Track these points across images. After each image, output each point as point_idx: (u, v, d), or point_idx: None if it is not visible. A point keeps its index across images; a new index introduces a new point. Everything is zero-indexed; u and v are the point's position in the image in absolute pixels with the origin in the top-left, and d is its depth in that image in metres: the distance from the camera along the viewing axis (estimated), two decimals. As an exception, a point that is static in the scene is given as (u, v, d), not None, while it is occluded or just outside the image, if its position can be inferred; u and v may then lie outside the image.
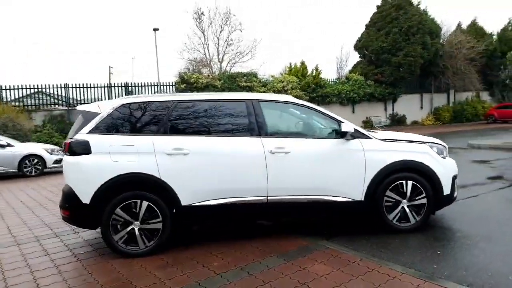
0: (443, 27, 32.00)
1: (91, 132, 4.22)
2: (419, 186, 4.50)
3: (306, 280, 3.41)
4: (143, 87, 22.85)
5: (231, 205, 4.26)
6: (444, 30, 32.36)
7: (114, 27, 66.71)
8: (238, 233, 4.87)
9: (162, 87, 23.20)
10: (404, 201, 4.51)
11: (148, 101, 4.46)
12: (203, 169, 4.24)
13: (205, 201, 4.24)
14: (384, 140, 4.57)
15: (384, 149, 4.51)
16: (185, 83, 23.16)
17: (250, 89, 23.60)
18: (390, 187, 4.46)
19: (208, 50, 27.76)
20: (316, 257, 3.92)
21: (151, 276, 3.65)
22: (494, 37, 34.25)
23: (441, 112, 30.94)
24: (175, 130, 4.34)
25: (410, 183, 4.48)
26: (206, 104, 4.55)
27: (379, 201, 4.46)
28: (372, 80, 28.54)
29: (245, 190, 4.29)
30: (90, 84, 21.51)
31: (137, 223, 4.16)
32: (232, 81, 23.78)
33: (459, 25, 34.36)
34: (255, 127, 4.39)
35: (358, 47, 32.08)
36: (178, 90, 22.94)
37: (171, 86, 23.75)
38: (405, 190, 4.49)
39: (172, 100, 4.45)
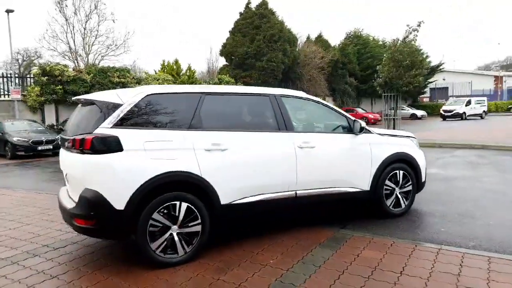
0: (298, 38, 35.71)
1: (116, 125, 3.58)
2: (407, 174, 5.21)
3: (374, 265, 3.65)
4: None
5: (266, 202, 4.18)
6: (299, 41, 36.15)
7: None
8: (256, 229, 4.76)
9: (20, 79, 19.70)
10: (397, 188, 5.14)
11: (176, 92, 4.01)
12: (241, 165, 4.05)
13: (243, 198, 4.06)
14: (382, 134, 5.13)
15: (383, 142, 5.07)
16: (47, 75, 20.17)
17: (123, 85, 22.04)
18: (388, 177, 5.05)
19: (74, 41, 24.76)
20: (355, 245, 4.17)
21: (224, 283, 3.34)
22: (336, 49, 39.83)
23: (298, 115, 34.46)
24: (207, 124, 3.99)
25: (401, 172, 5.14)
26: (234, 98, 4.35)
27: (380, 189, 4.98)
28: (241, 83, 29.92)
29: (278, 185, 4.27)
30: None
31: (175, 227, 3.71)
32: (103, 76, 21.76)
33: (308, 37, 38.90)
34: (282, 122, 4.40)
35: (224, 52, 33.29)
36: (39, 83, 19.85)
37: (29, 78, 20.38)
38: (398, 179, 5.13)
39: (201, 92, 4.10)
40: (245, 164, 4.07)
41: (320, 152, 4.54)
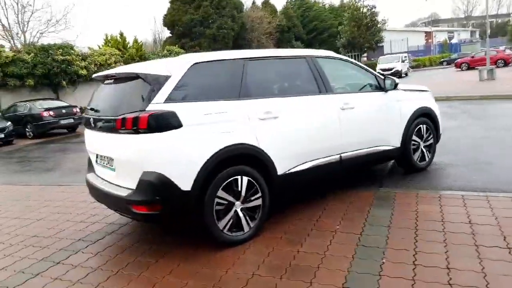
0: (244, 2, 34.93)
1: (169, 100, 3.19)
2: (429, 128, 5.29)
3: (440, 219, 3.67)
4: None
5: (315, 168, 4.03)
6: (245, 6, 35.37)
7: None
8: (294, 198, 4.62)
9: None
10: (421, 142, 5.22)
11: (221, 59, 3.64)
12: (292, 132, 3.85)
13: (295, 167, 3.88)
14: (406, 90, 5.12)
15: (409, 98, 5.07)
16: (-21, 56, 18.04)
17: (69, 62, 20.35)
18: (415, 132, 5.09)
19: (7, 18, 22.15)
20: (404, 201, 4.18)
21: (308, 255, 3.20)
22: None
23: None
24: (255, 92, 3.70)
25: (424, 126, 5.21)
26: (274, 62, 4.06)
27: (409, 145, 5.02)
28: (191, 53, 28.86)
29: (325, 149, 4.13)
30: None
31: (239, 203, 3.47)
32: (45, 54, 19.87)
33: (254, 2, 38.16)
34: (322, 84, 4.21)
35: (167, 21, 31.79)
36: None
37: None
38: (422, 133, 5.20)
39: (243, 58, 3.77)
40: (296, 131, 3.88)
41: (359, 112, 4.43)
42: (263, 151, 3.57)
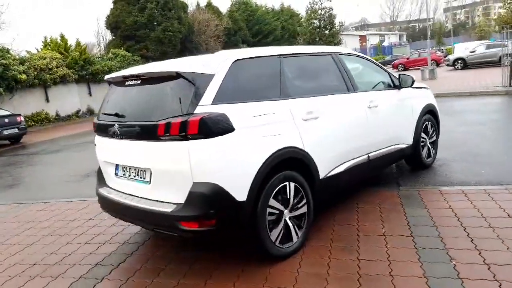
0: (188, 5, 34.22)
1: (216, 101, 2.84)
2: (433, 124, 5.36)
3: (479, 215, 3.67)
4: None
5: (349, 170, 3.85)
6: (189, 7, 34.69)
7: None
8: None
9: None
10: (427, 139, 5.26)
11: (260, 56, 3.35)
12: (330, 133, 3.65)
13: (333, 169, 3.68)
14: (414, 88, 5.12)
15: (418, 95, 5.08)
16: None
17: (5, 67, 18.52)
18: (423, 129, 5.12)
19: None
20: (431, 199, 4.15)
21: (372, 263, 3.00)
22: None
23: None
24: (293, 91, 3.44)
25: (430, 123, 5.26)
26: (306, 59, 3.82)
27: (418, 142, 5.04)
28: (138, 56, 27.68)
29: (356, 150, 3.98)
30: None
31: (287, 212, 3.20)
32: (-23, 58, 17.91)
33: (198, 4, 37.57)
34: (349, 82, 4.06)
35: (110, 23, 30.32)
36: None
37: None
38: (428, 130, 5.25)
39: (279, 54, 3.50)
40: (334, 131, 3.69)
41: (381, 110, 4.34)
42: (308, 154, 3.33)
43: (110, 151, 3.35)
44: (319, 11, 14.69)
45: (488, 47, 27.36)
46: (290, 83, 3.43)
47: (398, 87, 4.71)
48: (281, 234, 3.13)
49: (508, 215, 3.58)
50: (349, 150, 3.87)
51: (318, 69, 3.93)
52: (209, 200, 2.71)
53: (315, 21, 14.59)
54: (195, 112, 2.73)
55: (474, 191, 4.25)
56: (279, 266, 3.05)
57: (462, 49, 29.73)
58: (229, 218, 2.82)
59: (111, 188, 3.46)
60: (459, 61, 26.14)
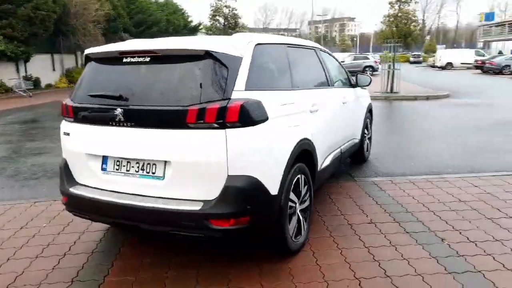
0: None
1: (248, 87, 2.62)
2: (370, 122, 5.87)
3: (436, 200, 4.17)
4: None
5: (331, 163, 3.98)
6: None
7: None
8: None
9: None
10: (366, 134, 5.72)
11: (277, 43, 3.25)
12: (325, 127, 3.76)
13: (324, 162, 3.76)
14: (361, 87, 5.48)
15: (364, 95, 5.48)
16: None
17: None
18: (365, 125, 5.55)
19: None
20: (391, 187, 4.55)
21: (384, 250, 3.14)
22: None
23: (74, 74, 30.21)
24: (299, 82, 3.38)
25: (368, 120, 5.74)
26: (303, 52, 3.81)
27: (363, 137, 5.46)
28: (1, 35, 23.58)
29: (336, 143, 4.15)
30: None
31: (298, 204, 3.14)
32: None
33: (72, -16, 33.75)
34: (329, 78, 4.18)
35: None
36: None
37: None
38: (368, 126, 5.71)
39: (285, 43, 3.41)
40: (327, 124, 3.83)
41: (348, 106, 4.58)
42: (314, 145, 3.33)
43: (98, 141, 2.79)
44: (224, 9, 14.72)
45: (355, 58, 31.21)
46: (296, 74, 3.38)
47: (354, 85, 5.01)
48: (295, 229, 3.05)
49: (459, 200, 4.14)
50: (333, 143, 4.01)
51: (310, 62, 3.95)
52: (246, 194, 2.49)
53: (220, 18, 14.59)
54: (233, 97, 2.47)
55: (419, 181, 4.80)
56: (295, 262, 2.97)
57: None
58: (262, 214, 2.64)
59: (91, 187, 2.89)
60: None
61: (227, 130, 2.43)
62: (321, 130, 3.57)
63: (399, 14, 11.77)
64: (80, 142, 2.89)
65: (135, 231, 3.40)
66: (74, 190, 2.91)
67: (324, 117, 3.67)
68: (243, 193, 2.48)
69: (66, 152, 3.01)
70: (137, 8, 39.03)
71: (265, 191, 2.59)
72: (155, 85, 2.64)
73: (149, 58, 2.67)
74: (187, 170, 2.53)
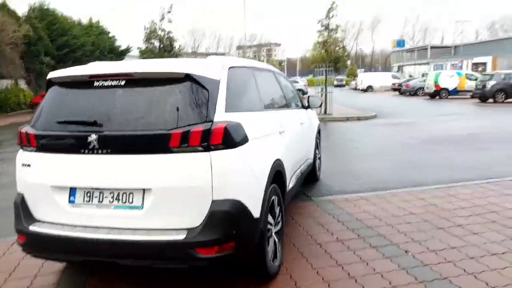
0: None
1: (228, 109, 2.63)
2: (319, 141, 6.09)
3: (390, 215, 4.41)
4: None
5: (296, 184, 4.07)
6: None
7: None
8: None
9: None
10: (317, 154, 5.91)
11: (246, 66, 3.31)
12: (290, 148, 3.84)
13: (289, 183, 3.81)
14: (311, 108, 5.67)
15: (314, 116, 5.71)
16: None
17: None
18: (316, 145, 5.75)
19: None
20: (347, 205, 4.73)
21: (359, 265, 3.23)
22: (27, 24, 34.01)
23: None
24: (267, 103, 3.48)
25: (319, 141, 5.96)
26: (264, 74, 3.87)
27: (316, 157, 5.65)
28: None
29: (298, 164, 4.24)
30: None
31: (272, 227, 3.13)
32: None
33: (-13, 4, 31.30)
34: (287, 99, 4.32)
35: None
36: None
37: None
38: (318, 146, 5.92)
39: (252, 67, 3.48)
40: (291, 145, 3.92)
41: (304, 127, 4.73)
42: (284, 166, 3.38)
43: (66, 172, 2.58)
44: (159, 32, 14.52)
45: (286, 80, 32.35)
46: (264, 95, 3.45)
47: (306, 107, 5.19)
48: (272, 251, 3.03)
49: (410, 212, 4.43)
50: (296, 164, 4.11)
51: (272, 84, 4.04)
52: (231, 219, 2.45)
53: (154, 41, 14.38)
54: (216, 120, 2.44)
55: (372, 196, 5.06)
56: (275, 286, 2.95)
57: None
58: (246, 238, 2.60)
59: (56, 223, 2.63)
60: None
61: (212, 152, 2.40)
62: (287, 151, 3.64)
63: (328, 40, 12.63)
64: (44, 174, 2.64)
65: (111, 268, 3.14)
66: (35, 228, 2.63)
67: (289, 137, 3.76)
68: (228, 218, 2.44)
69: (24, 185, 2.72)
70: (58, 30, 36.98)
71: (249, 214, 2.57)
72: (133, 109, 2.53)
73: (124, 82, 2.56)
74: (170, 196, 2.42)
